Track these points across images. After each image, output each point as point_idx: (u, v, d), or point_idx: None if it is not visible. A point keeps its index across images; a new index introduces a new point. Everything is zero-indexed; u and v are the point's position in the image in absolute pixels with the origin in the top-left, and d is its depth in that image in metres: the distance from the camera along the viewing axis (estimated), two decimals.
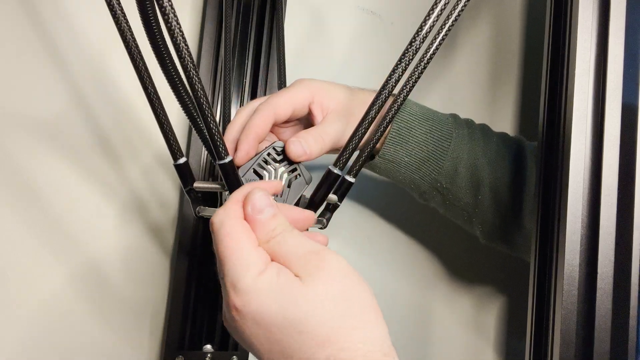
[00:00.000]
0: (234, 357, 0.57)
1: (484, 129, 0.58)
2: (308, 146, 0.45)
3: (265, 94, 0.60)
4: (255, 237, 0.35)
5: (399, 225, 0.71)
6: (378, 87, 0.44)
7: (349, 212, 0.68)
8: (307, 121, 0.50)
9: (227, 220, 0.35)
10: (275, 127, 0.49)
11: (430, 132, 0.54)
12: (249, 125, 0.45)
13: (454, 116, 0.57)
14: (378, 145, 0.54)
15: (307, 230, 0.45)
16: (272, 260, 0.35)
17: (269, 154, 0.44)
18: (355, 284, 0.34)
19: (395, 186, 0.63)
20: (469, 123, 0.57)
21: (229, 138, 0.46)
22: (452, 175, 0.54)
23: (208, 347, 0.57)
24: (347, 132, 0.48)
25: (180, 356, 0.55)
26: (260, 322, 0.33)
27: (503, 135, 0.59)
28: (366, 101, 0.44)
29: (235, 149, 0.45)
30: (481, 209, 0.56)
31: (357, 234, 0.69)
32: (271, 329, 0.32)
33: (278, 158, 0.44)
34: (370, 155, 0.47)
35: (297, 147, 0.45)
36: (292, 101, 0.47)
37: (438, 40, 0.43)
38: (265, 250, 0.35)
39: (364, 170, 0.60)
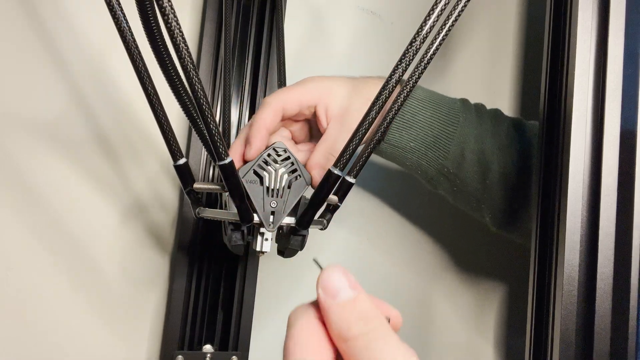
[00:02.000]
0: (234, 357, 0.57)
1: (495, 113, 0.57)
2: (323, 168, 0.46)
3: (265, 94, 0.60)
4: (327, 340, 0.26)
5: (404, 215, 0.71)
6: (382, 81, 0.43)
7: (356, 201, 0.68)
8: (314, 120, 0.51)
9: (302, 318, 0.26)
10: (285, 121, 0.50)
11: (436, 117, 0.53)
12: (257, 119, 0.46)
13: (463, 100, 0.56)
14: None
15: (307, 231, 0.45)
16: None
17: (269, 155, 0.44)
18: None
19: (401, 176, 0.63)
20: (478, 107, 0.56)
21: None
22: (459, 160, 0.54)
23: (208, 347, 0.57)
24: (343, 134, 0.48)
25: (180, 356, 0.55)
26: None
27: (516, 120, 0.58)
28: (369, 97, 0.43)
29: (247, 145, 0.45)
30: (490, 194, 0.55)
31: (363, 223, 0.69)
32: None
33: (278, 159, 0.44)
34: (370, 153, 0.46)
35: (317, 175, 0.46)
36: (300, 101, 0.48)
37: (438, 40, 0.43)
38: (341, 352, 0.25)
39: (372, 161, 0.60)
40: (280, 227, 0.47)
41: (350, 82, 0.51)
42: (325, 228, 0.47)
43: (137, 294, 0.57)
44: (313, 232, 0.47)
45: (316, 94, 0.49)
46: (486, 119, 0.55)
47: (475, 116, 0.55)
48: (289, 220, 0.44)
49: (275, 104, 0.47)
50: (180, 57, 0.33)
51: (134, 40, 0.37)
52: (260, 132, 0.45)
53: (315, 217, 0.45)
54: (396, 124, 0.52)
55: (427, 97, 0.54)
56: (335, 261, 0.67)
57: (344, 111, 0.49)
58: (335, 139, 0.48)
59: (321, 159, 0.47)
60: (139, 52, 0.37)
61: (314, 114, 0.50)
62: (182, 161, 0.42)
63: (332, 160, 0.46)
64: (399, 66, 0.42)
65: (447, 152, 0.53)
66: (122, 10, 0.36)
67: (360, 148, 0.45)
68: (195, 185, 0.44)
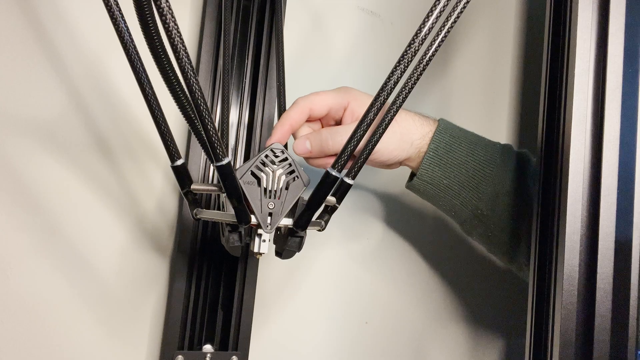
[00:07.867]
0: (234, 357, 0.57)
1: None
2: (311, 144, 0.50)
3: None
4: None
5: (399, 232, 0.71)
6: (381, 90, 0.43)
7: (352, 214, 0.68)
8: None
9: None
10: (314, 122, 0.53)
11: (471, 155, 0.53)
12: (285, 115, 0.50)
13: (505, 145, 0.56)
14: (415, 165, 0.54)
15: (305, 232, 0.45)
16: None
17: (266, 156, 0.44)
18: None
19: (402, 198, 0.62)
20: (522, 154, 0.55)
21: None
22: (493, 201, 0.53)
23: (208, 347, 0.57)
24: None
25: (180, 356, 0.55)
26: None
27: None
28: (396, 118, 0.45)
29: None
30: (527, 244, 0.53)
31: (354, 236, 0.69)
32: None
33: (276, 160, 0.44)
34: (369, 154, 0.46)
35: (300, 145, 0.50)
36: (329, 102, 0.51)
37: (437, 42, 0.42)
38: None
39: (371, 181, 0.59)
40: (278, 229, 0.47)
41: None
42: (323, 229, 0.47)
43: (137, 294, 0.58)
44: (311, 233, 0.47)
45: (346, 97, 0.51)
46: (530, 169, 0.54)
47: (515, 161, 0.54)
48: (287, 222, 0.44)
49: (303, 104, 0.50)
50: (178, 58, 0.33)
51: (132, 42, 0.37)
52: (283, 126, 0.50)
53: (313, 219, 0.44)
54: (429, 159, 0.52)
55: (463, 136, 0.54)
56: (335, 265, 0.67)
57: None
58: (344, 132, 0.50)
59: (316, 135, 0.50)
60: (138, 54, 0.37)
61: (341, 117, 0.52)
62: (179, 162, 0.42)
63: (324, 145, 0.50)
64: (398, 66, 0.42)
65: (480, 192, 0.53)
66: (120, 10, 0.35)
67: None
68: (193, 187, 0.44)
